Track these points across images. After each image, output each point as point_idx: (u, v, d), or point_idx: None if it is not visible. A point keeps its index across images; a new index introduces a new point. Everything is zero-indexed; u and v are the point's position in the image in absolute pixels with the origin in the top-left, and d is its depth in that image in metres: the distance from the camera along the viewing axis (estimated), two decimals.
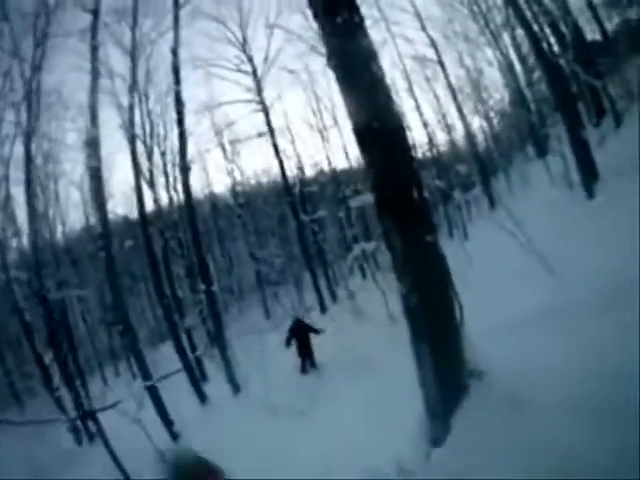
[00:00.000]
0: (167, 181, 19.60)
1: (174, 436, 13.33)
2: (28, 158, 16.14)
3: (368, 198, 8.67)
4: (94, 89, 15.12)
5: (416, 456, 5.66)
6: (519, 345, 6.17)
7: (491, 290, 9.58)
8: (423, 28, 21.05)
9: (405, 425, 6.12)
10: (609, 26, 18.15)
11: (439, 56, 21.13)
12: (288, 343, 14.03)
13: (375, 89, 5.63)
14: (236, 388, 15.32)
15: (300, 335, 13.79)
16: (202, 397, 15.55)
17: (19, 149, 16.41)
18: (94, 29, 15.49)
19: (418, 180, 5.65)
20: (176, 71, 16.74)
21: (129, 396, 12.12)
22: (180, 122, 16.73)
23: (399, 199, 5.53)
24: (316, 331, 14.08)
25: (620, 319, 5.48)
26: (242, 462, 8.74)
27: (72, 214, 19.87)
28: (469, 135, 21.35)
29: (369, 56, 5.71)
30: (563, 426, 4.33)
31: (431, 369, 5.47)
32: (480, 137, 22.58)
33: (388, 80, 5.96)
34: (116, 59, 17.62)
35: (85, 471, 12.04)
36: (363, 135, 5.71)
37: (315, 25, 6.16)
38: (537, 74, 19.49)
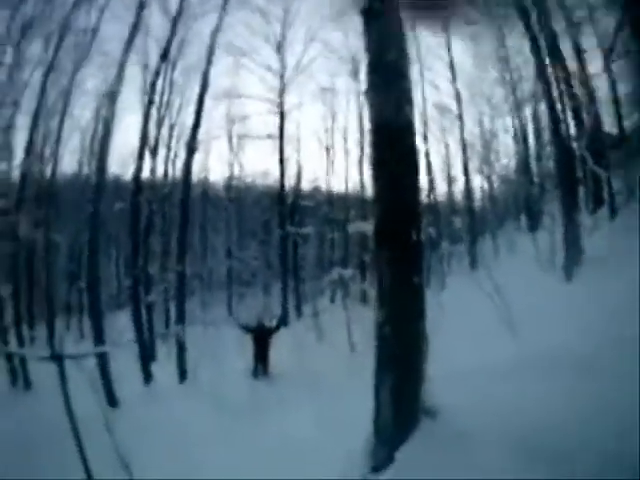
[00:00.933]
0: (168, 155, 19.60)
1: (113, 403, 13.29)
2: (42, 91, 16.10)
3: (366, 227, 8.93)
4: (129, 43, 15.11)
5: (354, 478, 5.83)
6: (476, 391, 6.40)
7: (458, 339, 9.87)
8: (453, 80, 21.42)
9: (348, 445, 6.28)
10: (627, 123, 18.64)
11: (460, 110, 21.45)
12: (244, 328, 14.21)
13: (403, 132, 5.93)
14: (183, 375, 15.33)
15: (260, 339, 13.87)
16: (147, 375, 15.44)
17: (37, 79, 16.36)
18: None
19: (419, 223, 5.94)
20: (211, 50, 16.80)
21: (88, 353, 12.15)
22: (200, 101, 16.77)
23: (398, 236, 5.81)
24: (277, 327, 14.26)
25: (569, 381, 5.83)
26: (175, 451, 8.94)
27: (67, 158, 19.55)
28: (468, 191, 21.64)
29: (405, 100, 6.01)
30: (509, 470, 4.55)
31: (389, 397, 5.68)
32: (478, 196, 22.90)
33: None
34: (157, 20, 17.63)
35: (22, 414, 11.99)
36: (380, 168, 5.98)
37: (352, 44, 6.52)
38: (548, 151, 19.81)
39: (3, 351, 14.88)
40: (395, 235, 5.87)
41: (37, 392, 14.12)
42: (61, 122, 17.30)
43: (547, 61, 16.28)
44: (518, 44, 19.93)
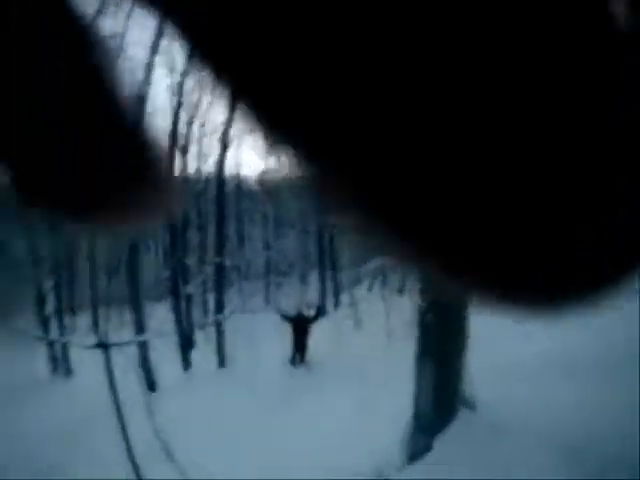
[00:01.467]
0: (199, 151, 19.65)
1: (153, 388, 13.51)
2: None
3: None
4: (155, 46, 15.07)
5: (391, 465, 5.87)
6: (515, 385, 6.39)
7: (494, 330, 9.77)
8: None
9: (385, 433, 6.33)
10: None
11: None
12: (283, 317, 14.36)
13: None
14: (222, 362, 15.54)
15: (299, 328, 13.95)
16: (186, 363, 15.71)
17: None
18: None
19: None
20: None
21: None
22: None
23: None
24: (316, 317, 14.34)
25: (616, 377, 5.77)
26: (210, 437, 9.09)
27: None
28: None
29: None
30: (544, 467, 4.57)
31: (430, 385, 5.72)
32: None
33: None
34: None
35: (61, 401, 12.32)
36: None
37: None
38: None
39: (48, 339, 15.33)
40: None
41: (78, 378, 14.50)
42: None
43: None
44: None
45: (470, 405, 5.72)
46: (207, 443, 8.77)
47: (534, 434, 5.03)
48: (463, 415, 5.62)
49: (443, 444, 5.47)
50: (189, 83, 17.38)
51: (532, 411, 5.47)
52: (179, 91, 16.96)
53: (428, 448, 5.53)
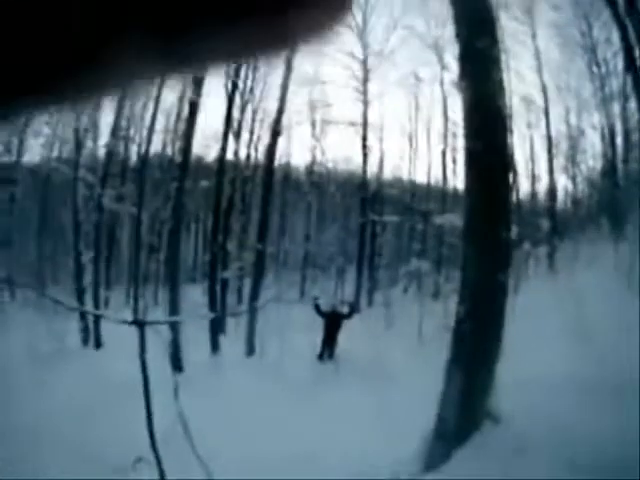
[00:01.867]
0: (250, 138, 19.80)
1: (179, 368, 13.61)
2: None
3: (455, 220, 8.80)
4: None
5: (407, 472, 5.82)
6: (541, 403, 6.28)
7: (527, 346, 9.59)
8: (539, 71, 20.33)
9: (405, 439, 6.27)
10: None
11: (547, 104, 20.50)
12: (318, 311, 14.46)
13: (496, 123, 5.80)
14: (251, 350, 15.63)
15: (331, 324, 14.04)
16: (215, 346, 15.81)
17: None
18: None
19: (509, 220, 5.84)
20: None
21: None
22: (284, 87, 17.00)
23: (487, 231, 5.73)
24: (350, 314, 14.39)
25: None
26: (229, 421, 9.15)
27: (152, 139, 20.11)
28: (552, 191, 20.83)
29: (498, 90, 5.86)
30: None
31: (457, 393, 5.65)
32: (561, 197, 21.91)
33: None
34: None
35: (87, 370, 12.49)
36: (473, 160, 5.89)
37: (434, 33, 6.44)
38: (636, 153, 18.67)
39: (82, 311, 15.61)
40: (484, 230, 5.81)
41: (107, 351, 14.72)
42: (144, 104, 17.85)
43: (637, 53, 15.43)
44: (606, 34, 18.83)
45: (495, 418, 5.63)
46: (226, 427, 8.85)
47: (553, 452, 4.95)
48: (486, 428, 5.54)
49: (462, 455, 5.40)
50: (244, 69, 17.59)
51: (554, 429, 5.37)
52: (235, 75, 17.15)
53: (447, 457, 5.47)
